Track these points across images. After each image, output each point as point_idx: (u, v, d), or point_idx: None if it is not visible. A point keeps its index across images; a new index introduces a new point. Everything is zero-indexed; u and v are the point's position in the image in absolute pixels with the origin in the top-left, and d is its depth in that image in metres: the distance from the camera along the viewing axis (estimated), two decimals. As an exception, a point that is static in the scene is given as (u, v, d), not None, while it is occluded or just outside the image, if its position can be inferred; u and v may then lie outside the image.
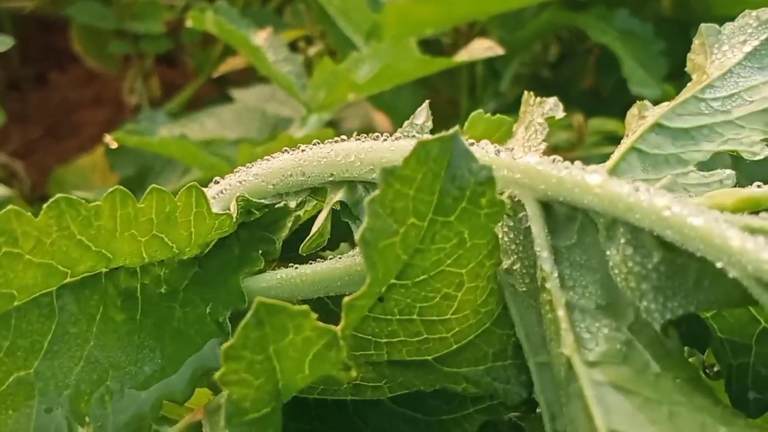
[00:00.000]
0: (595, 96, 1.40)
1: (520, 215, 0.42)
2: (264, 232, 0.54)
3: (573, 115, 1.13)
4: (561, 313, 0.40)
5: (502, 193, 0.40)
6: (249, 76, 1.48)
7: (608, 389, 0.37)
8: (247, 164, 0.54)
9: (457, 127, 0.39)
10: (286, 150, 0.52)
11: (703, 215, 0.37)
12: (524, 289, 0.42)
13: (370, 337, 0.43)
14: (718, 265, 0.36)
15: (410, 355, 0.44)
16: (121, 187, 0.44)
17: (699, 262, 0.38)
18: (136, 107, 1.85)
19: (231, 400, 0.37)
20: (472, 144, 0.44)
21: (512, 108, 1.24)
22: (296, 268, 0.51)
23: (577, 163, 0.43)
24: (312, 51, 1.23)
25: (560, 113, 0.62)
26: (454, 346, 0.43)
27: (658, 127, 0.55)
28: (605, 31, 1.23)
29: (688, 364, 0.40)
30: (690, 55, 0.62)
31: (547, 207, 0.42)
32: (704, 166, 0.51)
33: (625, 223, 0.39)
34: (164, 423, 0.53)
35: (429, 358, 0.44)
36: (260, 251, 0.52)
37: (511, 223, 0.43)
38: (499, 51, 0.99)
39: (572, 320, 0.40)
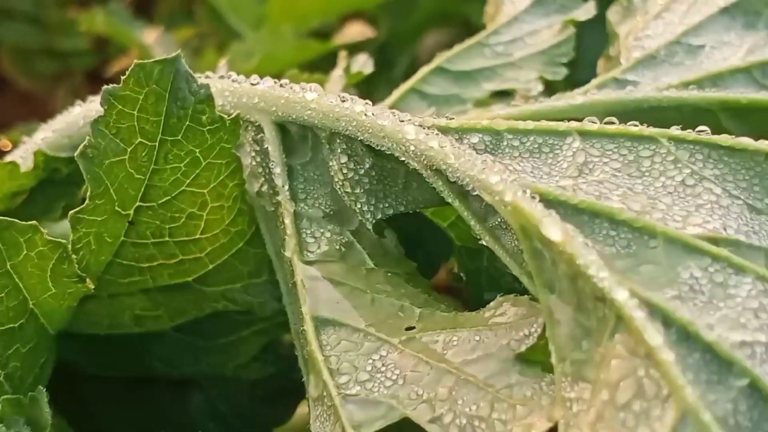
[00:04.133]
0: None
1: (260, 137, 0.45)
2: (70, 187, 0.56)
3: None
4: (288, 221, 0.43)
5: (229, 115, 0.43)
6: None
7: (321, 282, 0.40)
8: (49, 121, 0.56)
9: (179, 51, 0.42)
10: (79, 104, 0.55)
11: (391, 117, 0.40)
12: (272, 209, 0.45)
13: (133, 263, 0.46)
14: (402, 158, 0.39)
15: (173, 278, 0.47)
16: None
17: (406, 166, 0.41)
18: (67, 123, 1.86)
19: (-32, 313, 0.40)
20: (223, 77, 0.47)
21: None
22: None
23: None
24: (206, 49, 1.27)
25: (370, 68, 0.66)
26: (210, 266, 0.46)
27: (439, 70, 0.58)
28: (492, 17, 1.27)
29: (405, 262, 0.43)
30: (485, 8, 0.66)
31: (283, 129, 0.45)
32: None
33: (341, 134, 0.42)
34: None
35: (189, 279, 0.47)
36: (63, 204, 0.55)
37: (258, 148, 0.46)
38: (370, 33, 1.03)
39: (299, 227, 0.43)
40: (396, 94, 0.56)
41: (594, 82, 0.52)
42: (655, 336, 0.29)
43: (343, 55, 0.65)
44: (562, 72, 0.58)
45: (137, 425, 0.52)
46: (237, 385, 0.52)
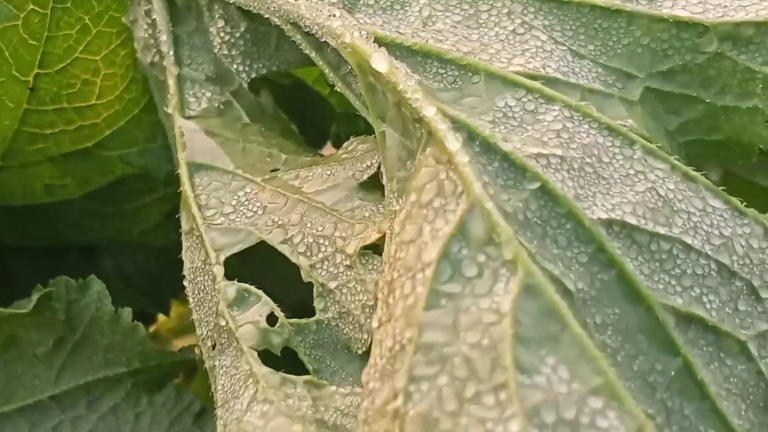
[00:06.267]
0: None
1: (149, 9, 0.48)
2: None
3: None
4: (171, 82, 0.46)
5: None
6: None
7: (198, 134, 0.44)
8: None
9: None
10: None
11: (259, -23, 0.43)
12: (162, 78, 0.49)
13: (37, 130, 0.50)
14: (266, 16, 0.43)
15: (74, 144, 0.50)
16: None
17: (278, 30, 0.45)
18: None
19: None
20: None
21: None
22: None
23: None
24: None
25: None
26: (108, 132, 0.50)
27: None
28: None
29: (280, 119, 0.47)
30: None
31: (170, 0, 0.48)
32: None
33: (218, 0, 0.46)
34: None
35: (89, 145, 0.51)
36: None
37: (149, 21, 0.49)
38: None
39: (181, 88, 0.46)
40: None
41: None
42: (454, 143, 0.33)
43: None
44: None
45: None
46: (144, 250, 0.56)
